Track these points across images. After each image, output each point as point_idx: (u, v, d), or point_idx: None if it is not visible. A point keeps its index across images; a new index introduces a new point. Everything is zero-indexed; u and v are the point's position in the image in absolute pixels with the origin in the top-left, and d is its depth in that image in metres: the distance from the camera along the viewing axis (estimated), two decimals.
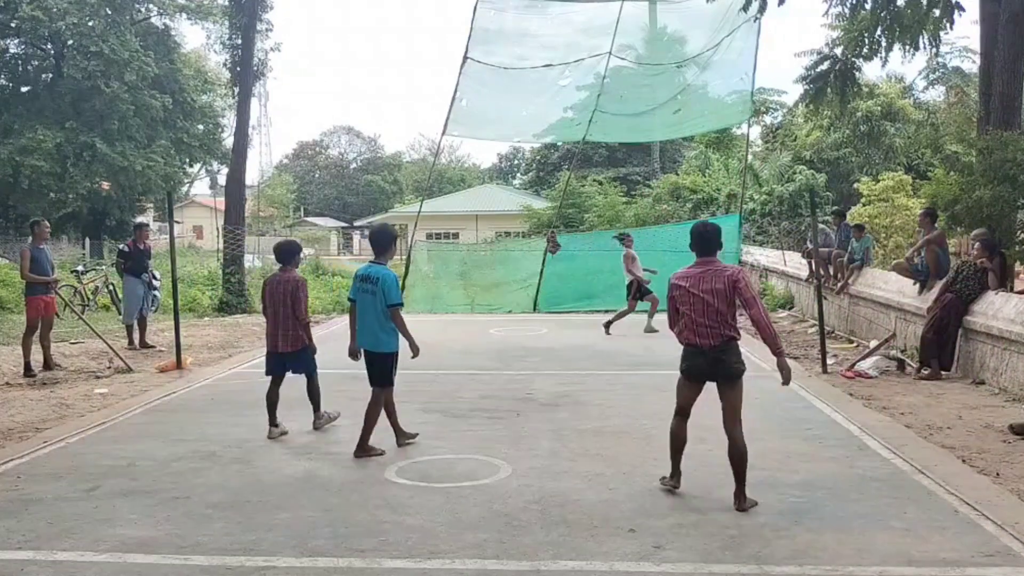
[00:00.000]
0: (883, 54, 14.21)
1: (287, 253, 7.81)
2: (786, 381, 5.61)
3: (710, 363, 5.57)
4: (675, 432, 5.87)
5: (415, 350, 6.92)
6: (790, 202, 25.90)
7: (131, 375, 10.82)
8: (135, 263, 13.21)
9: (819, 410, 8.43)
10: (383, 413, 7.04)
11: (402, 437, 7.16)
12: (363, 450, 6.81)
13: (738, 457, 5.51)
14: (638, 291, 15.15)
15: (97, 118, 32.19)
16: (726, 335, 5.51)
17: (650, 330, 14.62)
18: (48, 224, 11.56)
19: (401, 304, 6.89)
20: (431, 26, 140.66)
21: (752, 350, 12.43)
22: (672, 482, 5.83)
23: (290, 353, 7.64)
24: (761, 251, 22.36)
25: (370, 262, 7.02)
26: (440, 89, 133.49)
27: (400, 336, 6.88)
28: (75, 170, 32.22)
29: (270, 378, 7.71)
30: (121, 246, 14.64)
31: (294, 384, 9.97)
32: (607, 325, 14.91)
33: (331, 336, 14.74)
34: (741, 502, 5.43)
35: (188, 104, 36.05)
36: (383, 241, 7.02)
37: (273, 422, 7.58)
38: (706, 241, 5.68)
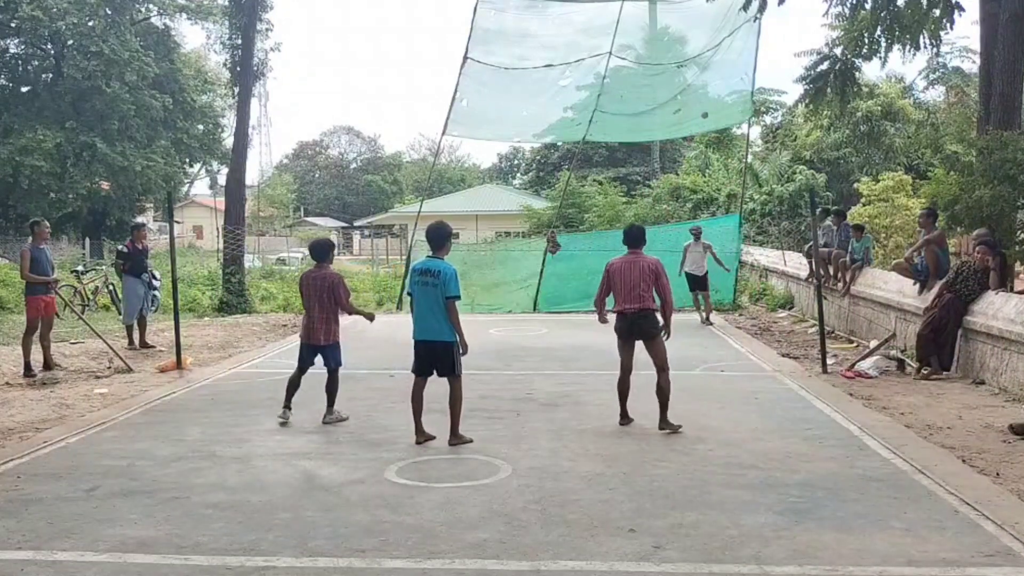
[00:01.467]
0: (883, 54, 14.22)
1: (322, 251, 8.26)
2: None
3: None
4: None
5: (464, 347, 7.23)
6: (790, 202, 25.90)
7: (131, 375, 10.82)
8: (134, 263, 13.20)
9: (819, 410, 8.43)
10: (450, 402, 7.32)
11: (421, 435, 7.26)
12: (455, 438, 7.13)
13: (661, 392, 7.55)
14: None
15: (97, 118, 32.20)
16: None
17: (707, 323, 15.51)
18: (48, 224, 11.56)
19: (459, 297, 7.23)
20: (431, 26, 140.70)
21: (752, 350, 12.46)
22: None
23: (324, 346, 8.04)
24: (761, 251, 22.36)
25: (427, 256, 7.36)
26: (440, 89, 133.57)
27: (450, 330, 7.17)
28: (75, 170, 32.23)
29: (297, 365, 8.18)
30: (120, 247, 14.63)
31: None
32: (705, 318, 15.74)
33: None
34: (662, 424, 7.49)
35: (188, 104, 36.06)
36: (441, 237, 7.33)
37: (287, 404, 8.05)
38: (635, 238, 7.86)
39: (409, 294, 7.41)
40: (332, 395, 8.10)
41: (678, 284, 15.91)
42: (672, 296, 7.71)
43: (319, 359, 8.11)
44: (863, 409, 8.46)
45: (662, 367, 7.53)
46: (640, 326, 7.59)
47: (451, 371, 7.22)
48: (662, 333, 7.64)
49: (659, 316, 7.65)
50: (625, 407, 7.79)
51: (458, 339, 7.20)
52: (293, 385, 8.10)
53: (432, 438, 7.24)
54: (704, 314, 15.72)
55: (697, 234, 16.24)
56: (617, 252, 8.03)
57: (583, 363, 11.43)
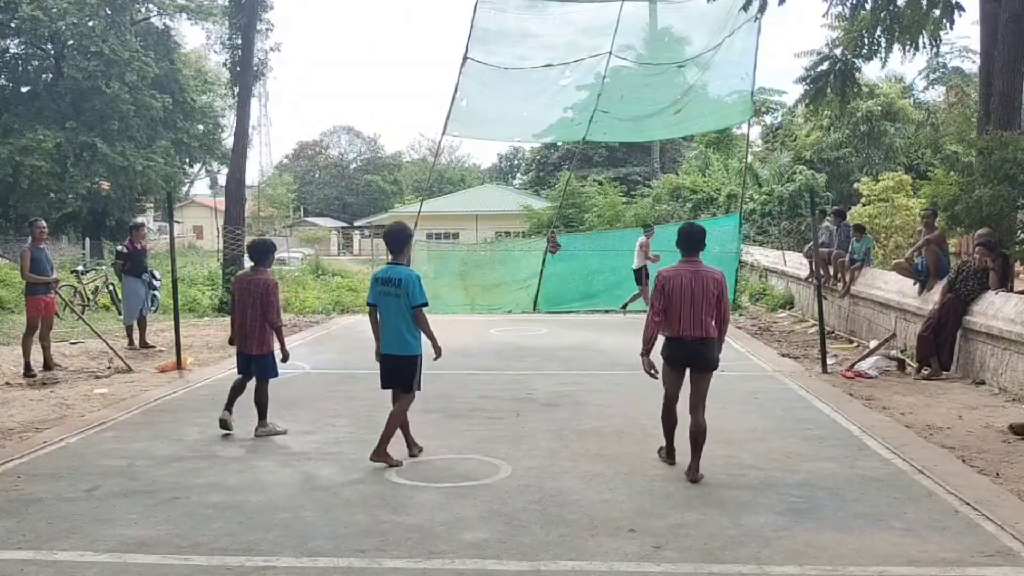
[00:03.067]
0: (883, 54, 14.22)
1: (261, 252, 7.64)
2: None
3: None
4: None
5: (438, 351, 6.70)
6: (790, 202, 25.88)
7: (131, 375, 10.81)
8: (134, 263, 13.20)
9: (819, 410, 8.43)
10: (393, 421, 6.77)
11: (414, 448, 6.90)
12: (380, 455, 6.54)
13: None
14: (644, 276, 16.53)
15: (97, 118, 32.19)
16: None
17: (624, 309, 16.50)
18: (45, 223, 11.54)
19: (426, 304, 6.62)
20: (431, 26, 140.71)
21: (752, 350, 12.46)
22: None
23: (256, 356, 7.51)
24: (761, 251, 22.36)
25: (388, 263, 6.85)
26: (440, 89, 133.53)
27: (423, 338, 6.64)
28: (75, 170, 32.22)
29: (238, 371, 7.76)
30: (119, 247, 14.64)
31: (295, 384, 9.98)
32: (624, 307, 16.69)
33: (329, 336, 14.76)
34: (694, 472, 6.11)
35: (188, 104, 36.05)
36: (399, 240, 6.70)
37: (229, 407, 7.58)
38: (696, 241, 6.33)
39: (370, 304, 6.78)
40: (261, 408, 7.54)
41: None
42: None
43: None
44: (863, 409, 8.46)
45: (701, 403, 6.22)
46: (701, 355, 6.16)
47: (407, 386, 6.66)
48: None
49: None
50: (673, 442, 6.45)
51: (433, 345, 6.63)
52: (236, 390, 7.64)
53: (420, 449, 6.90)
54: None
55: (649, 234, 17.04)
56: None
57: (583, 363, 11.43)
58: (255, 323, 7.43)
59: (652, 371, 6.26)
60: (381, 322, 6.66)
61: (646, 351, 6.25)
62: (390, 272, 6.63)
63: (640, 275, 16.55)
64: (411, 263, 7.08)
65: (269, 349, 7.50)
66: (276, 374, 7.65)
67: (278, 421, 7.75)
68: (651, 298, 6.17)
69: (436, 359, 6.70)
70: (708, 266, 6.32)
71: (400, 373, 6.64)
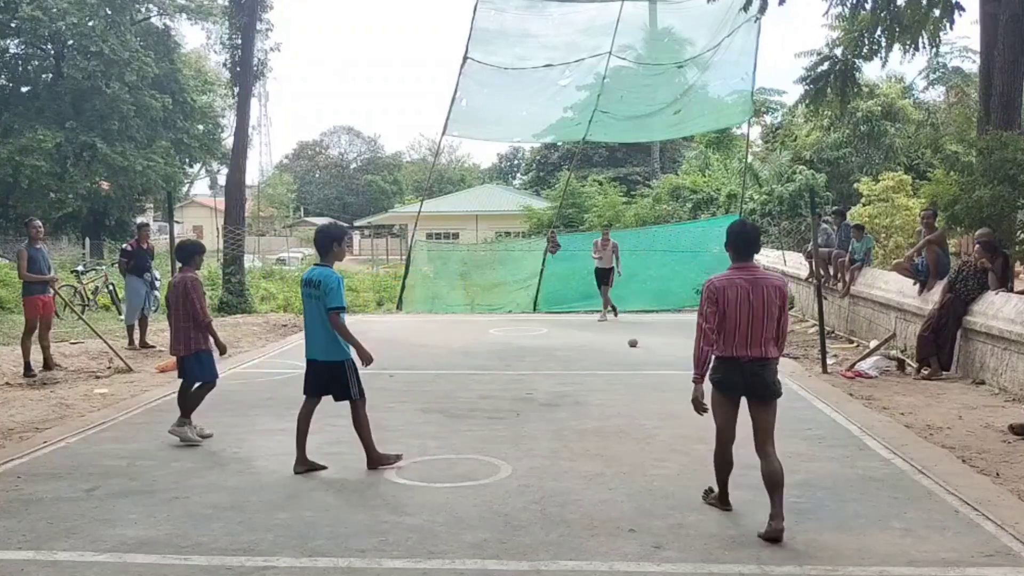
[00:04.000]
0: (883, 54, 14.23)
1: (185, 254, 7.61)
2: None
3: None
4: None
5: (366, 358, 6.32)
6: (790, 202, 25.87)
7: (131, 375, 10.81)
8: (138, 263, 13.21)
9: (819, 410, 8.43)
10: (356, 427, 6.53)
11: (301, 465, 6.50)
12: (375, 462, 6.45)
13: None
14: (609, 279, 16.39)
15: (97, 118, 32.19)
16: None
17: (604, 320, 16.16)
18: (40, 223, 11.52)
19: (343, 308, 6.28)
20: (431, 26, 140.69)
21: None
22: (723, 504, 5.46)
23: (182, 357, 7.46)
24: (761, 251, 22.34)
25: (314, 264, 6.61)
26: (440, 89, 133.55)
27: (344, 345, 6.37)
28: (75, 170, 32.22)
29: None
30: (124, 246, 14.66)
31: (295, 384, 9.98)
32: (615, 311, 16.43)
33: None
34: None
35: (188, 104, 36.06)
36: (323, 241, 6.45)
37: (187, 416, 7.46)
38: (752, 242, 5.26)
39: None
40: (184, 408, 7.42)
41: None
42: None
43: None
44: (863, 409, 8.46)
45: (770, 439, 5.19)
46: (761, 380, 5.10)
47: (346, 394, 6.38)
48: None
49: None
50: (727, 487, 5.47)
51: (357, 351, 6.32)
52: (181, 396, 7.57)
53: (322, 468, 6.45)
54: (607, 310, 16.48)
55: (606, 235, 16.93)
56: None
57: (583, 363, 11.42)
58: (179, 325, 7.40)
59: (703, 406, 5.21)
60: (305, 327, 6.52)
61: (700, 376, 5.15)
62: (312, 273, 6.43)
63: (610, 275, 16.39)
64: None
65: (193, 350, 7.40)
66: (207, 376, 7.53)
67: (205, 427, 7.54)
68: (700, 311, 5.17)
69: (366, 365, 6.39)
70: (767, 272, 5.34)
71: (329, 380, 6.40)
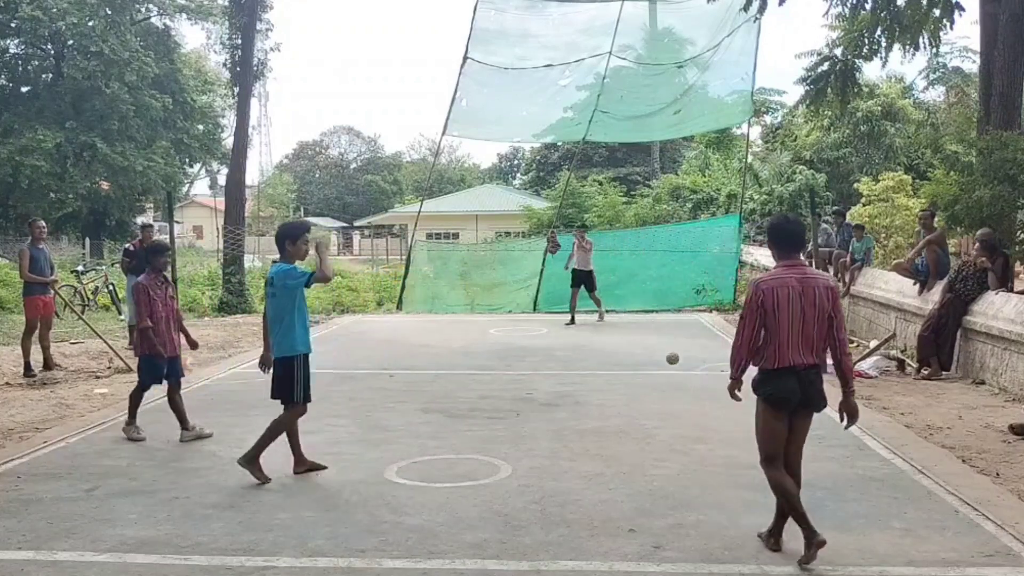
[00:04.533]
0: (883, 54, 14.25)
1: (143, 257, 7.83)
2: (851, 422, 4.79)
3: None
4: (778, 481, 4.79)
5: (324, 272, 6.22)
6: (790, 202, 25.88)
7: (131, 375, 10.76)
8: (140, 263, 13.21)
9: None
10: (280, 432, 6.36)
11: (301, 466, 6.41)
12: (248, 462, 6.16)
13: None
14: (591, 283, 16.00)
15: (97, 118, 32.19)
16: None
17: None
18: (43, 223, 11.53)
19: (307, 279, 6.22)
20: (431, 26, 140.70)
21: None
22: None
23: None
24: (761, 251, 22.35)
25: (272, 262, 6.56)
26: (440, 89, 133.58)
27: (301, 340, 6.32)
28: (75, 170, 32.22)
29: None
30: (127, 245, 14.67)
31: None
32: (601, 316, 16.09)
33: (329, 336, 14.76)
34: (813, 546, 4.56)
35: (188, 104, 36.06)
36: (278, 239, 6.35)
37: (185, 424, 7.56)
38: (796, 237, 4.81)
39: None
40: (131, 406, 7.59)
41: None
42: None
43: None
44: (863, 409, 8.37)
45: (800, 454, 4.93)
46: (816, 390, 4.69)
47: (286, 394, 6.27)
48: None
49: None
50: (802, 511, 4.71)
51: (321, 266, 6.20)
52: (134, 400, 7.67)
53: (322, 467, 6.43)
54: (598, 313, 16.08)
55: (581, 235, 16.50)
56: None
57: (583, 363, 11.42)
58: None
59: (737, 396, 4.89)
60: (269, 326, 6.44)
61: (738, 376, 4.81)
62: (269, 272, 6.41)
63: (590, 277, 16.00)
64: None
65: (140, 352, 7.56)
66: (143, 378, 7.62)
67: (205, 426, 7.60)
68: (743, 316, 4.74)
69: (327, 281, 6.47)
70: (815, 270, 5.01)
71: (278, 379, 6.30)
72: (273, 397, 6.39)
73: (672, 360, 6.75)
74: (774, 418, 4.71)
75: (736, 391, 4.89)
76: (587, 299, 16.86)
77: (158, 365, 7.47)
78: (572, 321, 15.74)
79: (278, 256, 6.42)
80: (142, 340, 7.45)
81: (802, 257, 4.89)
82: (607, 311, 17.70)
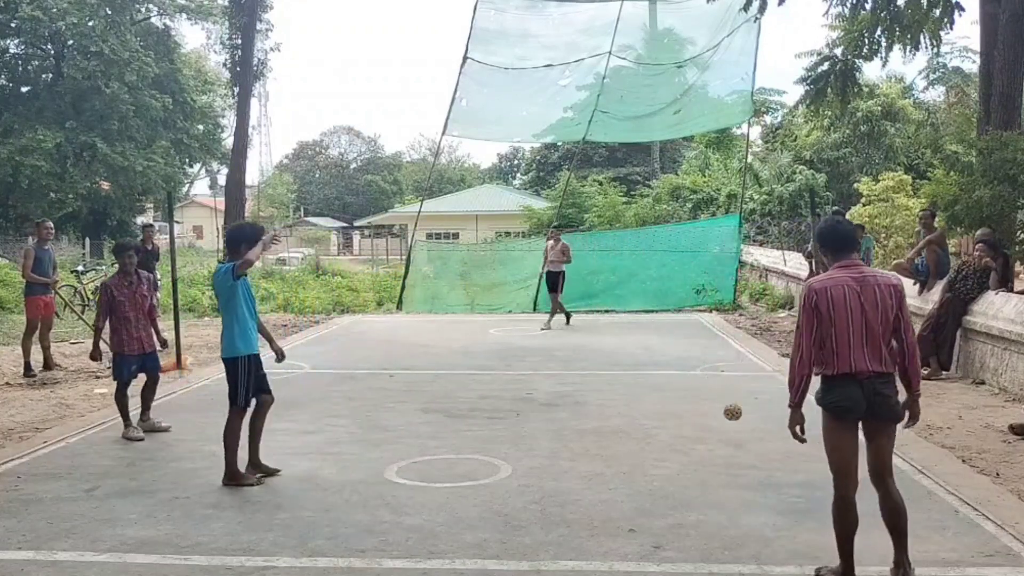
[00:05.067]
0: (883, 54, 14.25)
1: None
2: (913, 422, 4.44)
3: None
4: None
5: (268, 239, 6.19)
6: (790, 202, 25.91)
7: None
8: (142, 263, 13.20)
9: (819, 410, 8.40)
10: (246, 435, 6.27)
11: (256, 470, 6.23)
12: (232, 478, 6.08)
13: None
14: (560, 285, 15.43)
15: (97, 118, 32.20)
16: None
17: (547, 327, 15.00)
18: (51, 224, 11.53)
19: (236, 273, 6.14)
20: (431, 26, 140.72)
21: (752, 350, 12.45)
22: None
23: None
24: (761, 251, 22.37)
25: (219, 263, 6.63)
26: (440, 89, 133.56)
27: (243, 342, 6.24)
28: (75, 170, 32.23)
29: None
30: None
31: (295, 384, 9.99)
32: (548, 324, 15.06)
33: (329, 336, 14.77)
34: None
35: (188, 104, 36.07)
36: (232, 241, 6.30)
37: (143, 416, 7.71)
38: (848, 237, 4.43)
39: None
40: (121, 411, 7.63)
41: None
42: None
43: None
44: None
45: (888, 470, 4.37)
46: (884, 399, 4.25)
47: (231, 398, 6.20)
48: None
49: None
50: (852, 556, 4.28)
51: (254, 253, 6.10)
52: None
53: (275, 472, 6.27)
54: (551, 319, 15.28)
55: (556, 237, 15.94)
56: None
57: (583, 363, 11.42)
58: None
59: (800, 437, 4.48)
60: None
61: (798, 402, 4.44)
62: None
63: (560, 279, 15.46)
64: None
65: (113, 350, 7.65)
66: (114, 377, 7.69)
67: (162, 420, 7.71)
68: (798, 323, 4.35)
69: (267, 247, 6.30)
70: (876, 270, 4.65)
71: (227, 381, 6.21)
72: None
73: (733, 413, 5.72)
74: (838, 428, 4.31)
75: (798, 428, 4.43)
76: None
77: (126, 362, 7.58)
78: (567, 321, 15.23)
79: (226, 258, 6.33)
80: (115, 337, 7.56)
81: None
82: (608, 311, 17.72)
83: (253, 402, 6.29)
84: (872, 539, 4.90)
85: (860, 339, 4.19)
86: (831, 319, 4.20)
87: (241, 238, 6.13)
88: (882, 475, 4.31)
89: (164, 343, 7.94)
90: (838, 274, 4.28)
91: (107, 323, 7.65)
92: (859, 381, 4.22)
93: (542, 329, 14.79)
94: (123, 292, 7.52)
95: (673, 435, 7.37)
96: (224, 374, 6.41)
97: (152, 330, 7.90)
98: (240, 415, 6.21)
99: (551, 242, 15.77)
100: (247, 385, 6.19)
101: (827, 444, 4.38)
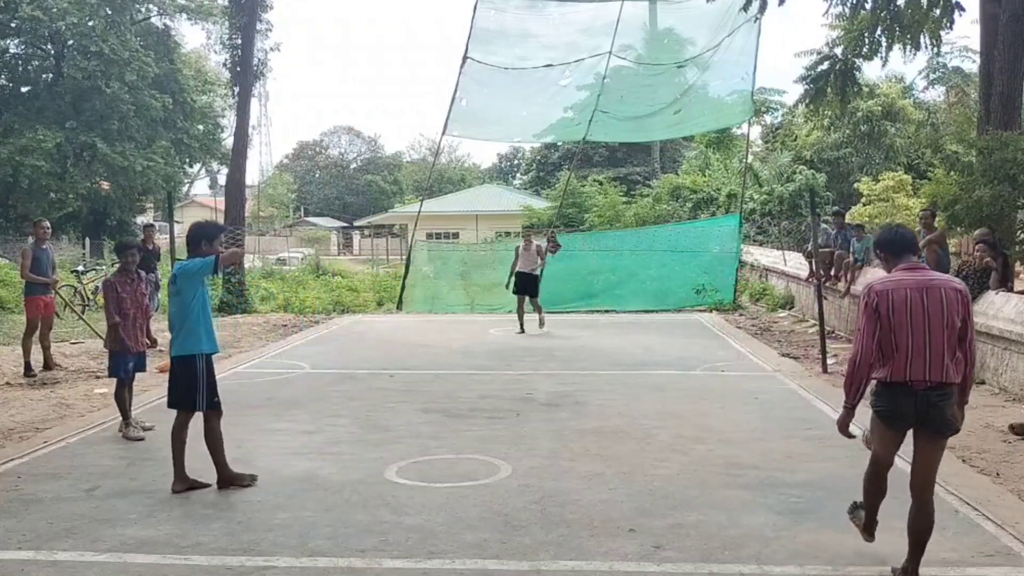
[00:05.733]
0: (883, 54, 14.24)
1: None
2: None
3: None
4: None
5: (235, 256, 6.03)
6: (790, 202, 25.90)
7: None
8: (142, 263, 13.20)
9: (819, 410, 8.42)
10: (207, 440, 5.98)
11: (182, 483, 5.94)
12: (224, 482, 5.94)
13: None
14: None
15: (97, 118, 32.22)
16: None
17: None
18: (48, 224, 11.53)
19: (207, 265, 5.81)
20: (431, 26, 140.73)
21: (753, 350, 12.45)
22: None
23: None
24: (761, 251, 22.36)
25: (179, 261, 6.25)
26: (440, 89, 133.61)
27: (207, 338, 5.95)
28: (75, 170, 32.25)
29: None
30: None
31: (295, 384, 9.99)
32: (541, 322, 14.74)
33: (329, 336, 14.77)
34: None
35: (188, 104, 36.08)
36: (192, 239, 6.01)
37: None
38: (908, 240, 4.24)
39: None
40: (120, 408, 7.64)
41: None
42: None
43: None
44: (863, 409, 8.43)
45: (931, 484, 4.37)
46: (940, 412, 4.13)
47: (188, 402, 5.85)
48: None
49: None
50: (876, 514, 4.61)
51: (227, 256, 5.99)
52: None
53: (205, 486, 5.94)
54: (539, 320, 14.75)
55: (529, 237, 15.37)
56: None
57: (583, 363, 11.42)
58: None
59: (850, 434, 4.42)
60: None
61: (852, 407, 4.29)
62: (173, 270, 6.20)
63: (536, 282, 14.98)
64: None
65: (109, 348, 7.66)
66: (112, 375, 7.70)
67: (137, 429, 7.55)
68: (859, 327, 4.17)
69: (235, 260, 6.18)
70: (941, 274, 4.37)
71: (175, 383, 5.95)
72: (170, 406, 6.00)
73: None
74: (885, 430, 4.26)
75: (848, 427, 4.33)
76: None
77: (126, 359, 7.59)
78: (521, 330, 14.41)
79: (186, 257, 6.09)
80: (111, 336, 7.58)
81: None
82: (608, 311, 17.72)
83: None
84: (874, 540, 4.91)
85: (920, 346, 3.99)
86: (891, 324, 4.01)
87: (200, 235, 5.96)
88: (922, 489, 4.24)
89: (154, 343, 7.94)
90: (902, 276, 4.08)
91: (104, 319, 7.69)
92: (913, 392, 4.06)
93: (518, 334, 14.31)
94: (125, 289, 7.56)
95: (673, 435, 7.37)
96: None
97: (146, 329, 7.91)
98: (218, 418, 5.96)
99: (525, 242, 15.19)
100: (208, 386, 5.91)
101: (872, 435, 4.37)
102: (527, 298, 14.84)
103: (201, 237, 5.95)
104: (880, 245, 4.32)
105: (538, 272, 14.90)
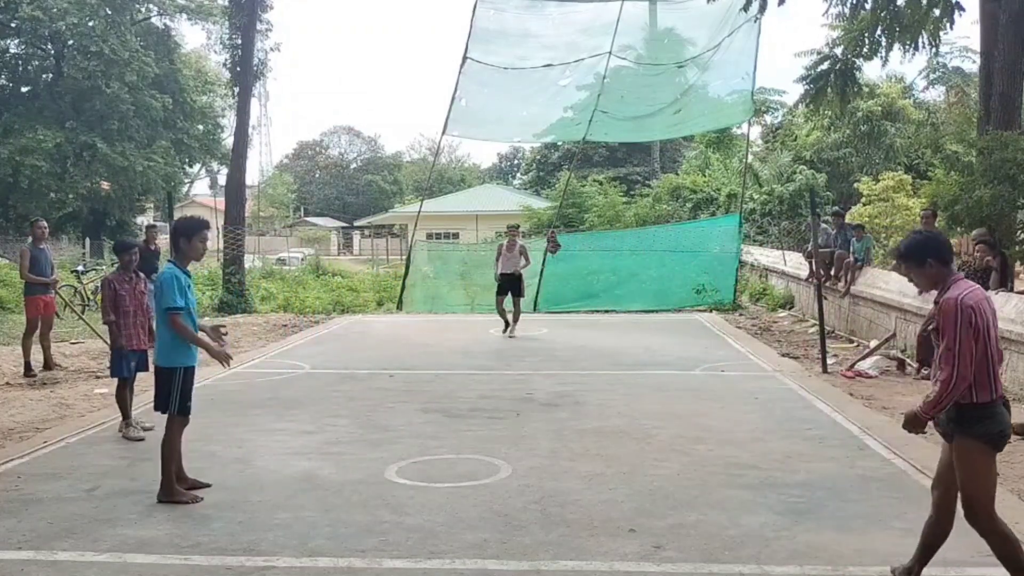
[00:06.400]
0: (883, 54, 14.22)
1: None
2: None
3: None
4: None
5: (221, 357, 5.79)
6: (790, 202, 25.90)
7: None
8: (144, 263, 13.20)
9: (819, 410, 8.42)
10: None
11: (182, 485, 5.81)
12: (167, 495, 5.68)
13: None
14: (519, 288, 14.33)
15: (97, 118, 32.23)
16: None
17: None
18: (45, 223, 11.52)
19: (176, 308, 5.60)
20: (431, 26, 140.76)
21: (752, 350, 12.46)
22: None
23: None
24: (761, 251, 22.37)
25: (167, 261, 6.16)
26: (440, 89, 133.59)
27: (184, 352, 5.75)
28: (75, 170, 32.26)
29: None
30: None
31: (295, 384, 9.99)
32: (512, 327, 14.09)
33: (329, 336, 14.77)
34: None
35: (188, 104, 36.10)
36: (173, 236, 5.93)
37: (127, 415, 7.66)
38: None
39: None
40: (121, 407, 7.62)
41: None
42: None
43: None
44: (863, 409, 8.46)
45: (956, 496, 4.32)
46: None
47: (163, 405, 5.75)
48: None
49: None
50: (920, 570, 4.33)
51: (208, 352, 5.78)
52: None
53: (203, 487, 5.92)
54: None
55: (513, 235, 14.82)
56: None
57: (583, 363, 11.42)
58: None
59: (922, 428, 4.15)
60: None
61: (932, 418, 4.09)
62: (163, 272, 5.98)
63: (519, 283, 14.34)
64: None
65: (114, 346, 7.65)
66: (116, 372, 7.67)
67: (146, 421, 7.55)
68: (960, 341, 3.82)
69: (227, 366, 6.03)
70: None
71: (158, 386, 5.81)
72: (156, 408, 5.92)
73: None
74: (992, 459, 4.04)
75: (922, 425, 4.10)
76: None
77: (125, 357, 7.58)
78: (506, 328, 14.01)
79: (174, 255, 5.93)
80: (109, 334, 7.61)
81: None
82: (608, 311, 17.72)
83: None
84: (873, 539, 4.91)
85: (999, 357, 3.91)
86: (986, 338, 3.85)
87: (178, 233, 5.86)
88: (956, 502, 4.21)
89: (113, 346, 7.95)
90: (973, 287, 3.93)
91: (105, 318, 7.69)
92: (1006, 404, 3.98)
93: (509, 336, 13.85)
94: (124, 287, 7.57)
95: (673, 435, 7.36)
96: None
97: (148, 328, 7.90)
98: (179, 424, 5.81)
99: (508, 242, 14.51)
100: (182, 394, 5.77)
101: (983, 475, 4.10)
102: (508, 296, 14.21)
103: (179, 235, 5.84)
104: (931, 252, 4.00)
105: (521, 272, 14.29)
